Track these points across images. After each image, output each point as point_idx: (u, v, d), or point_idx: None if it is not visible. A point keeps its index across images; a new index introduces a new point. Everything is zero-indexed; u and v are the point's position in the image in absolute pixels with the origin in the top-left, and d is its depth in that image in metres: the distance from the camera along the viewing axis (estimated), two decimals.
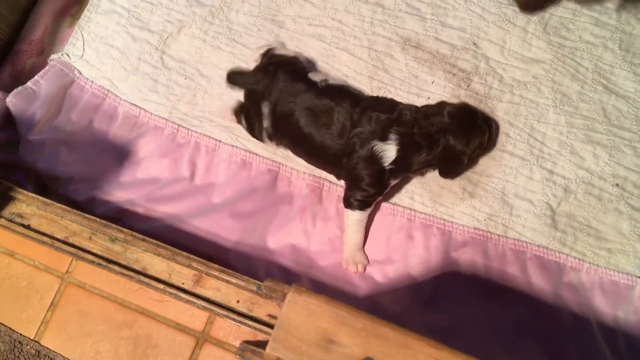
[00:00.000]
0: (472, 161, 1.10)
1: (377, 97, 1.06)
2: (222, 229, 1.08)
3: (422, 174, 1.09)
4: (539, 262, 1.06)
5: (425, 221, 1.10)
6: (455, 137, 0.99)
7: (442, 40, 1.19)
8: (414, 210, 1.11)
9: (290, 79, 1.03)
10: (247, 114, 1.08)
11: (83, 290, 1.05)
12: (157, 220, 1.08)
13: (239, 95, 1.08)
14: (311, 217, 1.10)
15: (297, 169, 1.13)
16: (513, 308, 1.03)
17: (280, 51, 1.09)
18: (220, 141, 1.15)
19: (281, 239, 1.09)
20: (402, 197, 1.12)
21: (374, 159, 0.98)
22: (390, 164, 0.98)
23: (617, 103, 1.12)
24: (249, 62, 1.16)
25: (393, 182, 1.02)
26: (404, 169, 1.01)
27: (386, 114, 1.00)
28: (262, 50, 1.09)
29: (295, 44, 1.21)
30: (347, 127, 0.99)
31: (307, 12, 1.22)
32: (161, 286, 0.86)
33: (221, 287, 0.87)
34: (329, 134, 1.00)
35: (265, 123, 1.04)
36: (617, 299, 1.03)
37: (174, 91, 1.19)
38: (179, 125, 1.17)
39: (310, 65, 1.15)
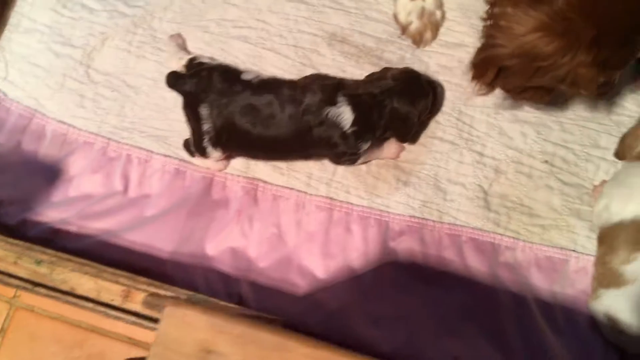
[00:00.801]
0: (423, 125, 1.11)
1: (313, 74, 1.07)
2: (158, 240, 1.08)
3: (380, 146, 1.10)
4: (475, 245, 1.07)
5: (363, 213, 1.10)
6: (401, 98, 1.01)
7: (368, 34, 1.19)
8: (351, 203, 1.11)
9: (225, 80, 1.03)
10: (191, 132, 1.07)
11: (32, 313, 1.04)
12: (91, 237, 1.08)
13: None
14: (248, 219, 1.10)
15: (231, 172, 1.13)
16: (452, 292, 1.05)
17: (203, 59, 1.09)
18: (152, 152, 1.15)
19: (219, 244, 1.09)
20: (339, 192, 1.12)
21: (334, 125, 0.99)
22: (351, 126, 0.99)
23: None
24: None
25: (364, 147, 1.02)
26: (368, 131, 1.02)
27: (328, 81, 1.01)
28: (184, 61, 1.08)
29: (221, 47, 1.20)
30: (294, 110, 1.00)
31: (231, 15, 1.22)
32: (90, 305, 0.86)
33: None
34: (277, 123, 1.01)
35: (205, 126, 1.03)
36: (553, 274, 1.04)
37: (102, 105, 1.18)
38: (109, 139, 1.16)
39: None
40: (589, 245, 1.05)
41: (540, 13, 0.75)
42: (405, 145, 1.12)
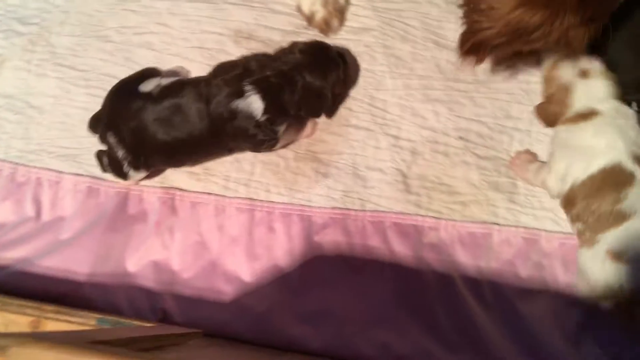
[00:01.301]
0: (338, 99, 1.11)
1: (216, 66, 1.05)
2: (75, 263, 1.05)
3: (302, 123, 1.09)
4: (398, 229, 1.06)
5: (284, 210, 1.09)
6: (311, 73, 1.00)
7: (273, 27, 1.18)
8: (272, 201, 1.10)
9: (123, 100, 1.00)
10: (107, 155, 1.04)
11: None
12: (6, 268, 1.04)
13: None
14: (168, 230, 1.08)
15: (146, 184, 1.10)
16: (380, 279, 1.04)
17: None
18: (62, 172, 1.11)
19: (140, 259, 1.06)
20: (259, 192, 1.11)
21: (247, 117, 0.98)
22: (263, 113, 0.98)
23: (450, 57, 1.13)
24: (78, 82, 1.12)
25: (282, 129, 1.02)
26: (281, 113, 1.01)
27: (231, 72, 0.99)
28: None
29: (125, 56, 1.17)
30: (203, 107, 0.98)
31: (131, 22, 1.19)
32: None
33: (62, 327, 0.84)
34: (190, 126, 0.99)
35: (120, 153, 1.00)
36: (477, 249, 1.04)
37: (6, 129, 1.14)
38: (16, 163, 1.12)
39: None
40: (510, 216, 1.05)
41: None
42: (322, 135, 1.11)
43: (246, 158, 1.12)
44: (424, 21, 1.15)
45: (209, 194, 1.10)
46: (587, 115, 0.97)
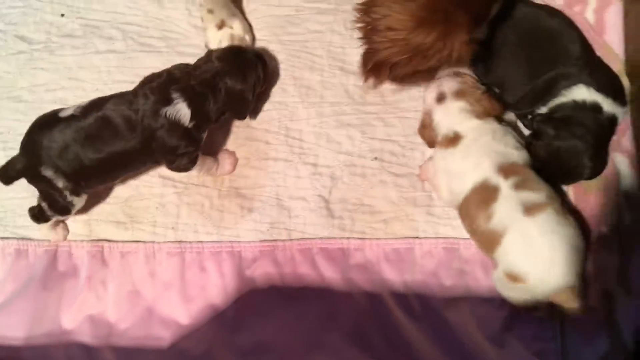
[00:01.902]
0: (261, 97, 1.15)
1: (143, 80, 1.05)
2: (9, 329, 1.06)
3: (219, 124, 1.12)
4: (325, 254, 1.10)
5: (214, 249, 1.11)
6: (232, 77, 1.03)
7: None
8: (201, 241, 1.12)
9: (46, 131, 0.99)
10: (44, 198, 1.03)
11: None
12: None
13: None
14: (100, 283, 1.09)
15: (74, 239, 1.11)
16: (312, 305, 1.08)
17: None
18: None
19: (76, 315, 1.08)
20: (187, 233, 1.13)
21: (174, 124, 0.99)
22: (190, 121, 1.00)
23: (357, 81, 1.16)
24: None
25: (204, 136, 1.05)
26: (205, 120, 1.03)
27: (156, 80, 1.01)
28: None
29: (38, 114, 1.16)
30: (132, 117, 0.99)
31: (41, 79, 1.20)
32: None
33: None
34: (120, 138, 0.99)
35: (60, 183, 1.00)
36: (402, 264, 1.09)
37: None
38: None
39: None
40: (429, 228, 1.10)
41: (415, 7, 0.82)
42: (242, 170, 1.15)
43: (171, 202, 1.14)
44: (328, 50, 1.19)
45: (138, 241, 1.12)
46: (453, 139, 1.01)
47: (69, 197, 1.01)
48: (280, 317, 1.07)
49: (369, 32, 0.92)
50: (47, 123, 1.01)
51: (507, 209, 0.93)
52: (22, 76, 1.19)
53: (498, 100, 1.05)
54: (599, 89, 0.99)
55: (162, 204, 1.13)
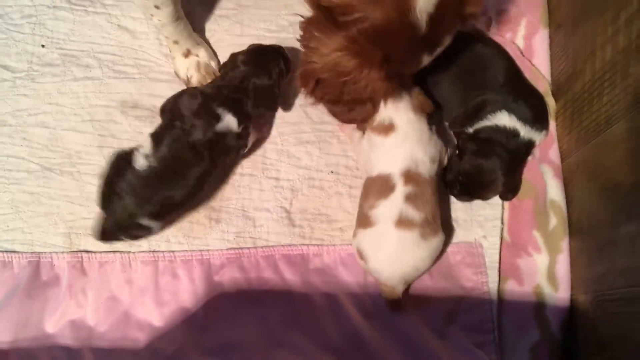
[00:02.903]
0: (286, 88, 1.26)
1: (168, 108, 1.16)
2: None
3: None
4: (287, 260, 1.21)
5: (185, 257, 1.22)
6: (258, 77, 1.15)
7: (156, 95, 1.30)
8: (173, 251, 1.22)
9: (124, 184, 1.10)
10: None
11: None
12: None
13: None
14: (81, 291, 1.19)
15: (55, 251, 1.21)
16: (275, 307, 1.18)
17: None
18: None
19: (58, 321, 1.17)
20: (160, 243, 1.23)
21: (229, 134, 1.13)
22: (239, 126, 1.13)
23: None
24: None
25: (250, 130, 1.18)
26: (248, 119, 1.16)
27: (193, 105, 1.12)
28: None
29: (22, 137, 1.28)
30: (196, 145, 1.10)
31: (24, 104, 1.30)
32: None
33: None
34: (196, 166, 1.12)
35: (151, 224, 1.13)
36: (356, 267, 1.20)
37: None
38: None
39: None
40: None
41: (340, 37, 0.89)
42: (211, 184, 1.25)
43: None
44: None
45: (115, 252, 1.22)
46: (387, 128, 1.11)
47: (153, 228, 1.16)
48: (246, 318, 1.17)
49: (304, 47, 0.99)
50: (122, 163, 1.11)
51: (387, 211, 1.07)
52: (6, 102, 1.29)
53: (428, 99, 1.14)
54: (519, 116, 1.12)
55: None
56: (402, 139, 1.09)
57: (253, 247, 1.22)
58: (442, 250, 1.16)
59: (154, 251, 1.21)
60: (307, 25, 0.95)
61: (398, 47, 0.89)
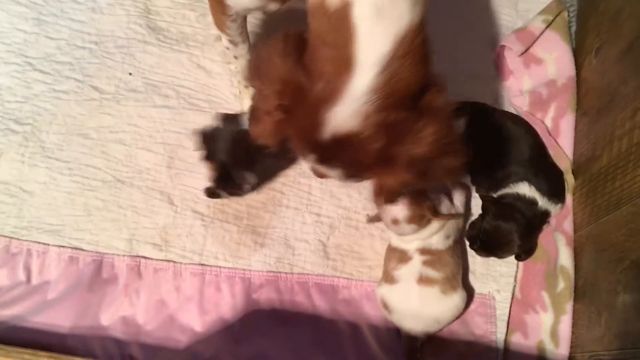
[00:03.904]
0: None
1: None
2: (59, 319, 1.30)
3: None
4: (319, 288, 1.36)
5: (229, 274, 1.37)
6: None
7: None
8: (219, 266, 1.38)
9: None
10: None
11: None
12: (1, 324, 1.29)
13: None
14: (135, 291, 1.34)
15: (117, 254, 1.38)
16: (304, 328, 1.32)
17: None
18: (48, 245, 1.37)
19: (112, 315, 1.32)
20: (209, 259, 1.39)
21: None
22: None
23: None
24: (63, 171, 1.40)
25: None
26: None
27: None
28: None
29: (101, 150, 1.46)
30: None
31: (107, 122, 1.48)
32: None
33: None
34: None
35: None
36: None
37: (2, 209, 1.41)
38: (10, 237, 1.38)
39: None
40: None
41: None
42: (259, 213, 1.43)
43: (199, 232, 1.41)
44: None
45: (169, 261, 1.38)
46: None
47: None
48: (277, 335, 1.32)
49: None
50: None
51: (409, 271, 1.22)
52: (92, 118, 1.48)
53: (438, 209, 1.26)
54: (538, 188, 1.28)
55: (192, 234, 1.40)
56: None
57: (290, 273, 1.37)
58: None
59: (203, 264, 1.37)
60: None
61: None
